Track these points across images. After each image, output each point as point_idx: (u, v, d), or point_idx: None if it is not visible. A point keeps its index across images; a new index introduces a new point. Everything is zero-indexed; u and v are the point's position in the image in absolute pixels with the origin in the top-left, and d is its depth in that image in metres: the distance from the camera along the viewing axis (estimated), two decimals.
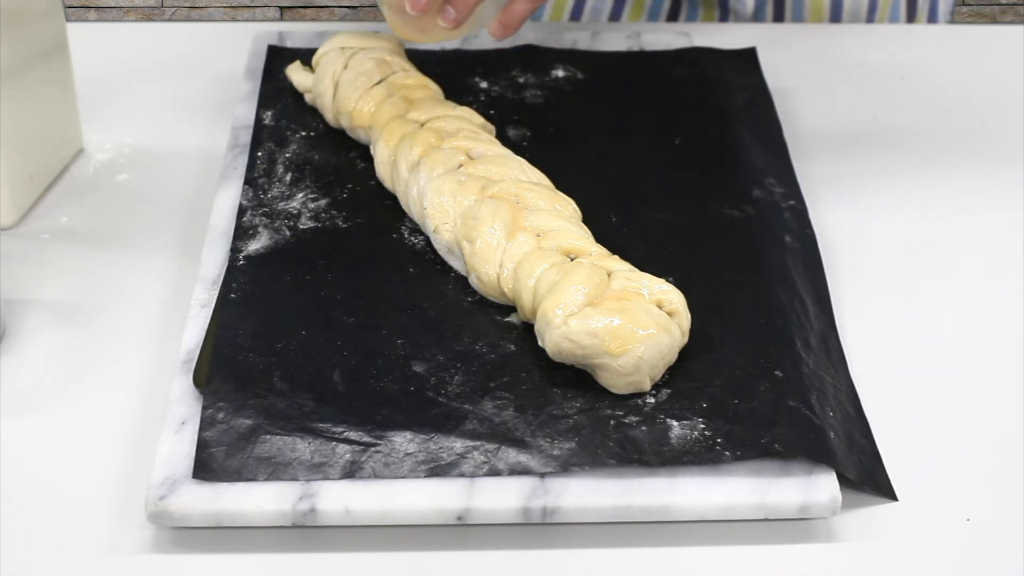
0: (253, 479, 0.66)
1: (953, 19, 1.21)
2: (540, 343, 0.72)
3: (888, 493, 0.69)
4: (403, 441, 0.68)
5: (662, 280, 0.73)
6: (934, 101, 1.02)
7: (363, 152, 0.90)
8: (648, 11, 1.16)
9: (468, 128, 0.86)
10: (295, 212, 0.84)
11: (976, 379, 0.76)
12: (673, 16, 1.17)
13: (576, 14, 1.17)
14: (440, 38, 0.91)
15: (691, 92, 0.98)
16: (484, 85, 0.98)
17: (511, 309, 0.76)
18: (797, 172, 0.90)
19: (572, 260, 0.74)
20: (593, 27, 1.11)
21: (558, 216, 0.78)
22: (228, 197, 0.86)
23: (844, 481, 0.67)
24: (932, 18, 1.19)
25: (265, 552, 0.66)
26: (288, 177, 0.87)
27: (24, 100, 0.86)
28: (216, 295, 0.77)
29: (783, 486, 0.66)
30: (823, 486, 0.66)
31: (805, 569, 0.66)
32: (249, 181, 0.86)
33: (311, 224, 0.83)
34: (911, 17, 1.17)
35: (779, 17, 1.15)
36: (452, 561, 0.66)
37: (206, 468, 0.66)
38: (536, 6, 0.88)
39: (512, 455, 0.67)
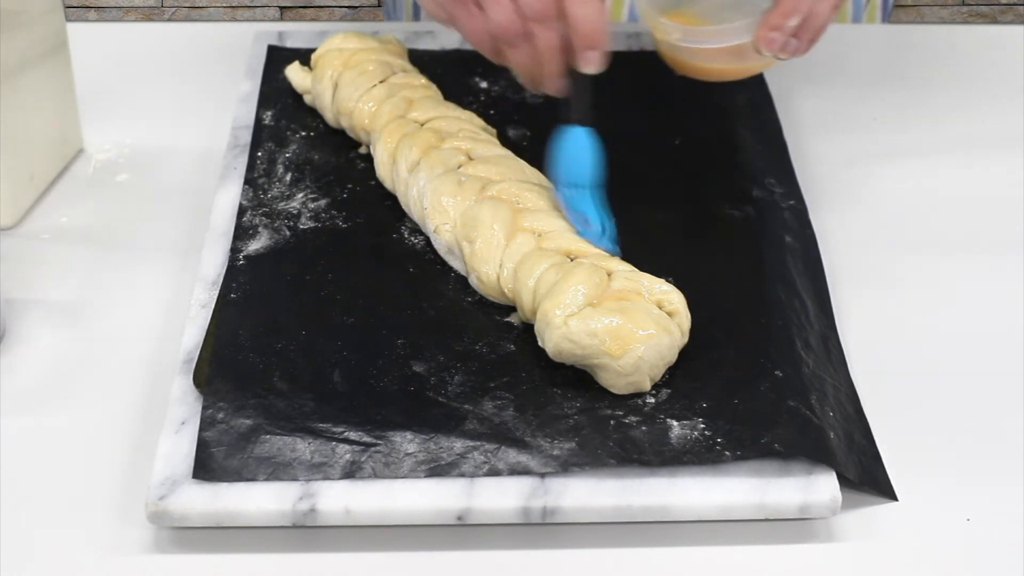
0: (253, 479, 0.66)
1: (889, 19, 1.20)
2: (540, 343, 0.72)
3: (888, 493, 0.69)
4: (403, 441, 0.67)
5: (662, 280, 0.73)
6: (934, 101, 1.02)
7: (363, 152, 0.90)
8: (628, 11, 1.15)
9: (468, 128, 0.85)
10: (295, 212, 0.84)
11: (976, 379, 0.76)
12: None
13: None
14: (757, 69, 0.85)
15: (691, 92, 0.98)
16: (484, 85, 0.98)
17: (511, 309, 0.76)
18: (797, 172, 0.90)
19: (572, 260, 0.74)
20: None
21: (558, 216, 0.78)
22: (228, 197, 0.86)
23: (844, 481, 0.67)
24: (884, 15, 1.18)
25: (265, 552, 0.66)
26: (288, 177, 0.87)
27: (24, 100, 0.86)
28: (216, 295, 0.77)
29: (783, 486, 0.66)
30: (823, 486, 0.66)
31: (805, 569, 0.66)
32: (249, 181, 0.86)
33: (311, 224, 0.83)
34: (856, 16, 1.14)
35: None
36: (452, 561, 0.66)
37: (206, 468, 0.66)
38: (836, 13, 0.81)
39: (512, 455, 0.67)
